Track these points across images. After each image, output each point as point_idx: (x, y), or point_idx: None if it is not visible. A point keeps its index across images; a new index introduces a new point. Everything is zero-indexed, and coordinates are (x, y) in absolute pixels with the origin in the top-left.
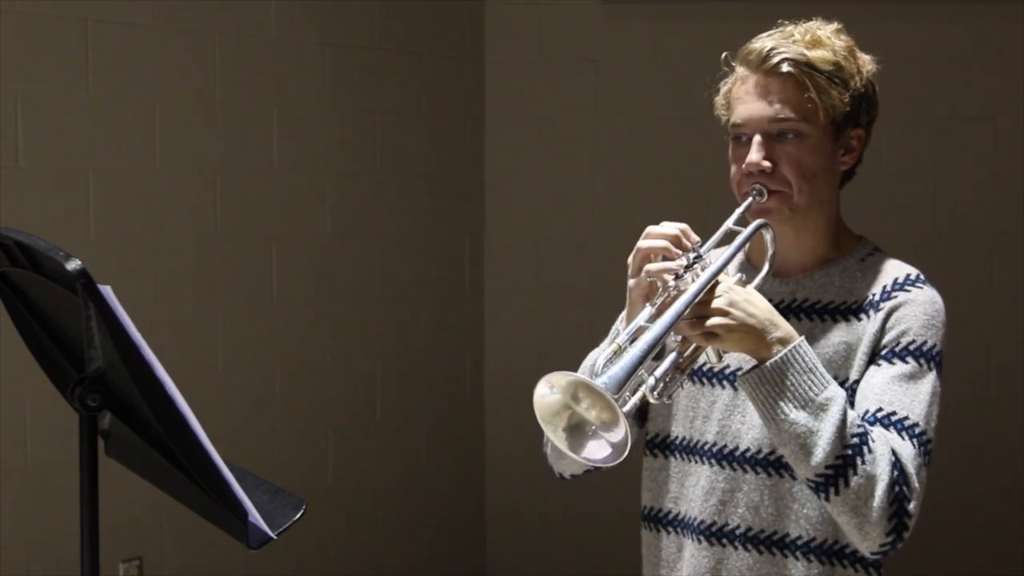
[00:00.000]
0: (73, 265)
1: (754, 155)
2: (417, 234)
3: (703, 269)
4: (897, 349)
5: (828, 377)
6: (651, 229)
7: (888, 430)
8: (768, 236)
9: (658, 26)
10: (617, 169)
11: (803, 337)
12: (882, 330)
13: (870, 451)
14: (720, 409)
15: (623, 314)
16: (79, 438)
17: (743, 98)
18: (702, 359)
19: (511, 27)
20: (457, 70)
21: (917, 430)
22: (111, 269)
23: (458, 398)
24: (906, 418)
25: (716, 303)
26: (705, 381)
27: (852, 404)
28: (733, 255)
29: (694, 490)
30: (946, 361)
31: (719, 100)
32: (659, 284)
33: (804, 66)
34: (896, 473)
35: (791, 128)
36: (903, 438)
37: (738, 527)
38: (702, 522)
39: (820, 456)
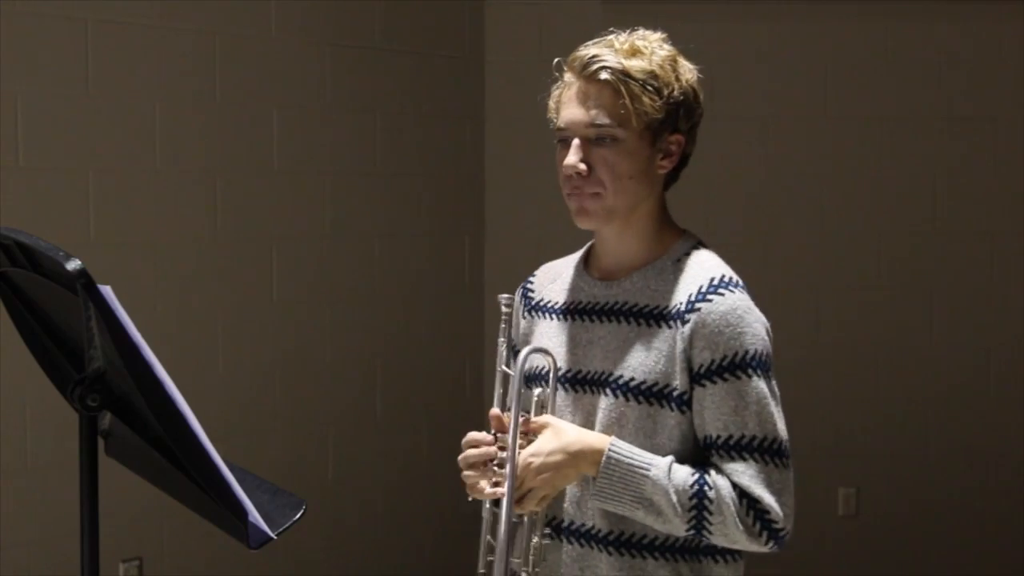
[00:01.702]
0: (73, 265)
1: (571, 157)
2: (417, 234)
3: (502, 449)
4: (713, 368)
5: (645, 464)
6: (461, 457)
7: (730, 455)
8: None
9: (658, 26)
10: None
11: (610, 442)
12: (691, 347)
13: (711, 501)
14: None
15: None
16: (79, 438)
17: (566, 103)
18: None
19: (511, 27)
20: (457, 70)
21: (754, 443)
22: (111, 269)
23: (458, 398)
24: (741, 438)
25: (528, 477)
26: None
27: (683, 409)
28: (516, 422)
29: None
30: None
31: (551, 104)
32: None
33: (620, 74)
34: (744, 501)
35: (607, 133)
36: (744, 459)
37: (562, 521)
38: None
39: (677, 527)
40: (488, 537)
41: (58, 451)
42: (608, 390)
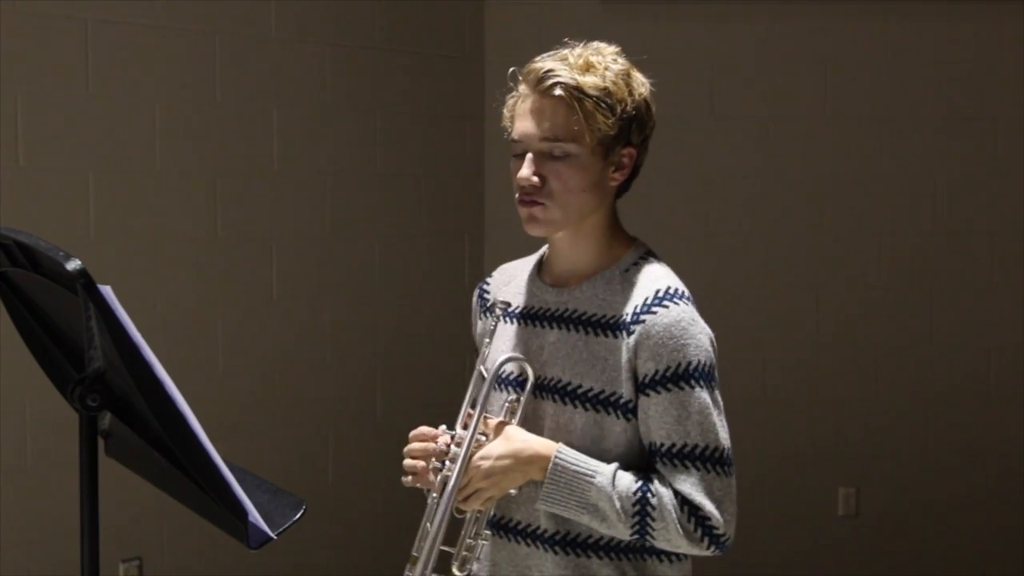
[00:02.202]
0: (73, 265)
1: (525, 170)
2: (417, 234)
3: (458, 445)
4: (657, 378)
5: (590, 471)
6: (408, 448)
7: (673, 463)
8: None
9: (658, 26)
10: None
11: (556, 449)
12: (637, 357)
13: (653, 508)
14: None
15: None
16: (79, 438)
17: (521, 116)
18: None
19: (511, 27)
20: (457, 70)
21: (696, 452)
22: (111, 269)
23: (458, 398)
24: (684, 446)
25: (475, 477)
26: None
27: (629, 417)
28: (477, 422)
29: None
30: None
31: (505, 113)
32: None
33: (574, 90)
34: (685, 508)
35: (560, 148)
36: (686, 467)
37: (496, 516)
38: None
39: (622, 532)
40: (427, 523)
41: (58, 451)
42: (556, 396)
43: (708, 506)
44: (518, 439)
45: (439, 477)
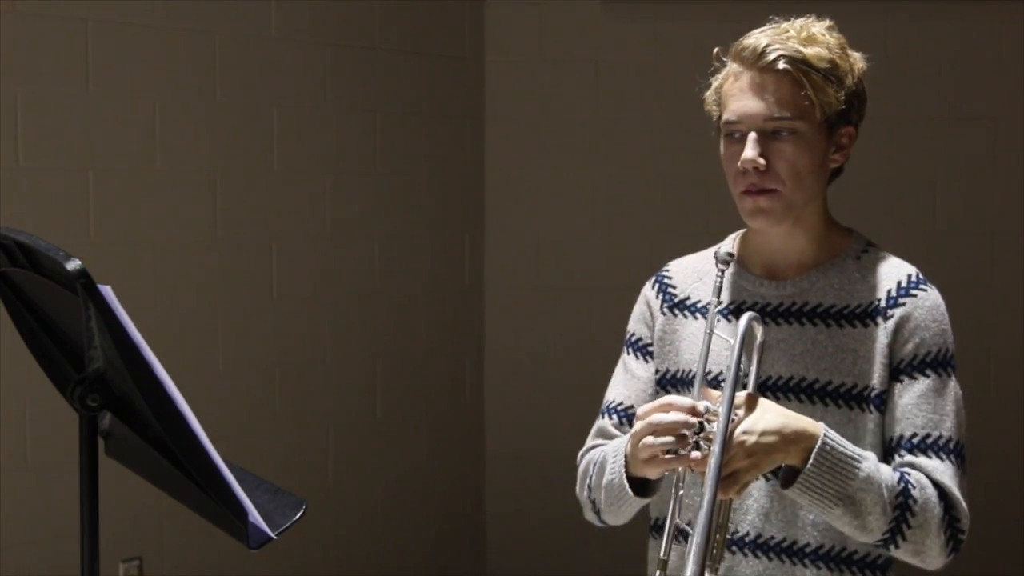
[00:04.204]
0: (73, 265)
1: (750, 151)
2: (417, 234)
3: (709, 421)
4: (916, 363)
5: (857, 456)
6: (657, 419)
7: (927, 454)
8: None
9: (658, 26)
10: (617, 169)
11: (823, 428)
12: (895, 341)
13: (915, 501)
14: None
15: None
16: (79, 438)
17: (737, 95)
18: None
19: (511, 27)
20: (457, 70)
21: (951, 445)
22: (111, 269)
23: (458, 398)
24: (939, 437)
25: (737, 456)
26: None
27: (881, 409)
28: (732, 392)
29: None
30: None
31: (710, 95)
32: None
33: (800, 63)
34: (944, 505)
35: (786, 126)
36: (941, 459)
37: (747, 534)
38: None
39: (876, 533)
40: (678, 519)
41: (58, 451)
42: (802, 396)
43: (963, 504)
44: (779, 412)
45: (691, 456)
